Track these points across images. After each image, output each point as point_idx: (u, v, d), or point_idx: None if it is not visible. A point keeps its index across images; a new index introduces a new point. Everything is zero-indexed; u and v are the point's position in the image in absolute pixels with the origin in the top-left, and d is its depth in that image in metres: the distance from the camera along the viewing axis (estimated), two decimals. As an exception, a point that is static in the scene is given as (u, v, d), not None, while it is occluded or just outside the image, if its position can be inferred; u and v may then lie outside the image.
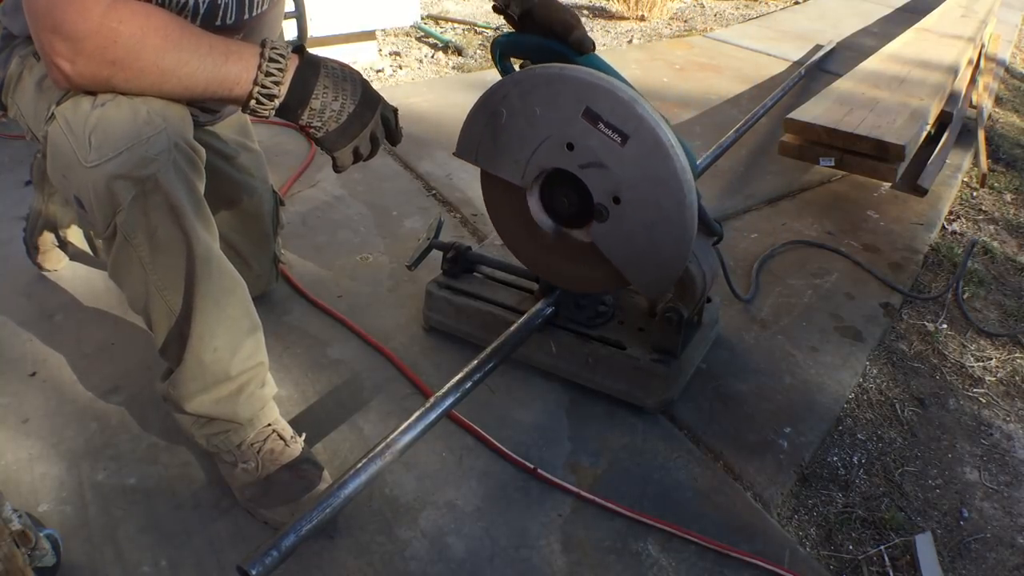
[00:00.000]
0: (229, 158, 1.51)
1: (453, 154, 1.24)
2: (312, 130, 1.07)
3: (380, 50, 3.57)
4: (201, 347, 1.10)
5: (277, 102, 1.03)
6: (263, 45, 1.02)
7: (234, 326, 1.13)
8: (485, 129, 1.28)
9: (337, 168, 1.11)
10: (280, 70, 1.02)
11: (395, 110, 1.15)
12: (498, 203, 1.39)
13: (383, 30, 3.77)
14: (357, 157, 1.12)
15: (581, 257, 1.31)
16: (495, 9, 1.34)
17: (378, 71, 3.35)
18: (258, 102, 1.02)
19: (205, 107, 1.37)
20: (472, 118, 1.29)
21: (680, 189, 1.14)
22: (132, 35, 0.93)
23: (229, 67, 1.00)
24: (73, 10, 0.91)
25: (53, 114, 1.02)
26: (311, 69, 1.04)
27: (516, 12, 1.29)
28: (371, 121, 1.10)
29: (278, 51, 1.02)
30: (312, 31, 2.79)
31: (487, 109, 1.26)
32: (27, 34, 1.14)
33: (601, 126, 1.15)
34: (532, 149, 1.24)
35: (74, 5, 0.91)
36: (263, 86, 1.01)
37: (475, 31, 4.08)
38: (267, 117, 1.05)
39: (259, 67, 1.01)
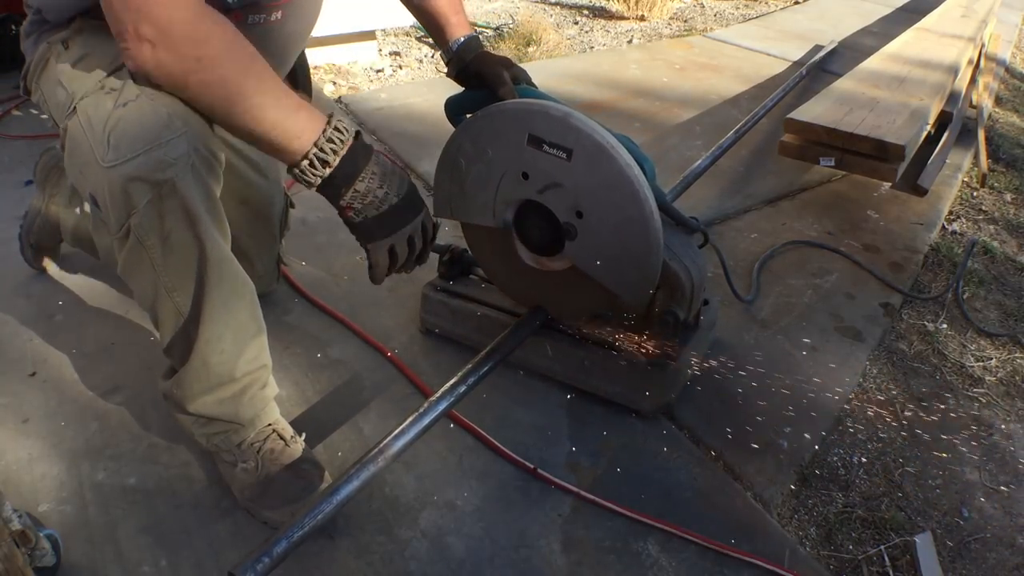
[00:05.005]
0: (246, 157, 1.50)
1: (433, 215, 1.23)
2: (352, 213, 1.05)
3: (380, 50, 3.57)
4: (208, 349, 1.10)
5: (328, 171, 1.01)
6: (330, 116, 1.01)
7: (241, 329, 1.13)
8: (451, 183, 1.31)
9: (373, 273, 1.09)
10: (341, 140, 1.00)
11: (436, 224, 1.14)
12: (484, 251, 1.41)
13: (383, 30, 3.77)
14: (392, 259, 1.09)
15: (568, 282, 1.32)
16: (447, 74, 1.44)
17: (378, 71, 3.35)
18: (311, 164, 1.00)
19: None
20: (438, 176, 1.33)
21: (631, 184, 1.16)
22: (223, 40, 0.93)
23: (298, 118, 0.98)
24: (163, 2, 0.88)
25: (75, 108, 1.00)
26: (364, 151, 1.04)
27: (453, 73, 1.41)
28: (411, 222, 1.09)
29: (343, 124, 1.02)
30: (312, 31, 2.78)
31: (447, 163, 1.30)
32: (61, 20, 1.13)
33: (546, 147, 1.18)
34: (495, 188, 1.27)
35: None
36: (321, 149, 0.99)
37: (475, 31, 4.07)
38: (309, 186, 1.02)
39: (323, 131, 0.99)
